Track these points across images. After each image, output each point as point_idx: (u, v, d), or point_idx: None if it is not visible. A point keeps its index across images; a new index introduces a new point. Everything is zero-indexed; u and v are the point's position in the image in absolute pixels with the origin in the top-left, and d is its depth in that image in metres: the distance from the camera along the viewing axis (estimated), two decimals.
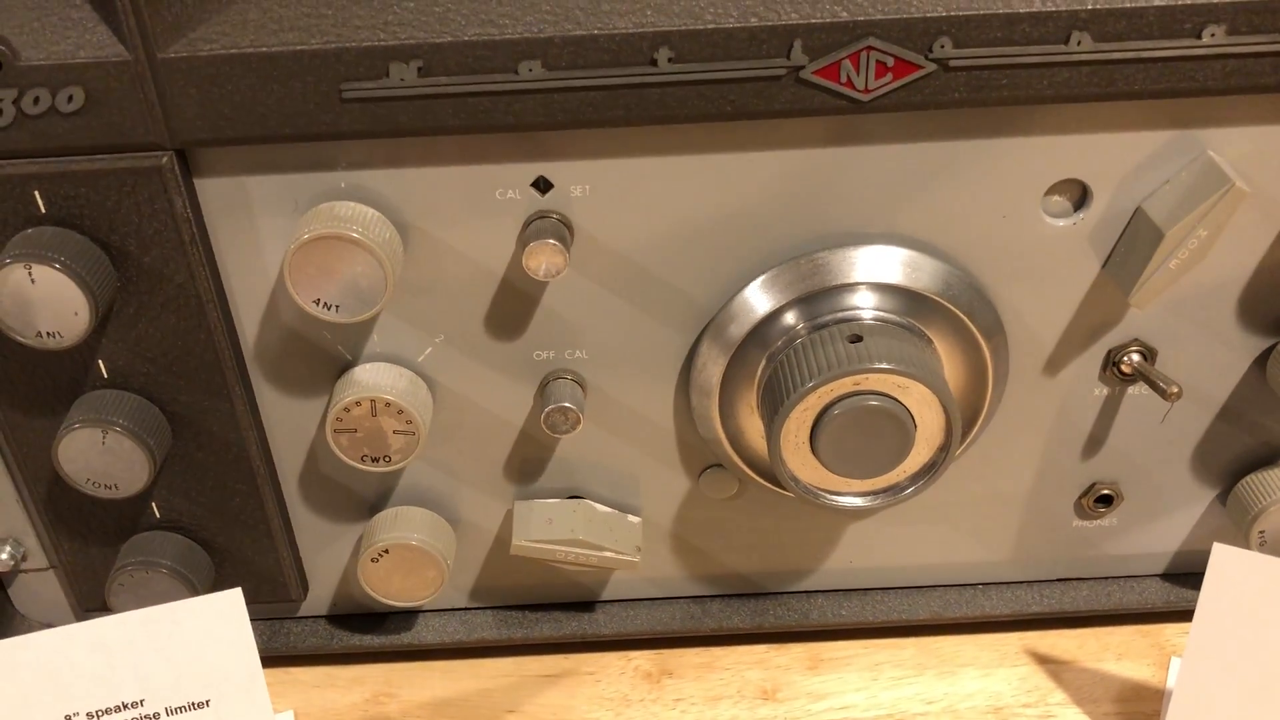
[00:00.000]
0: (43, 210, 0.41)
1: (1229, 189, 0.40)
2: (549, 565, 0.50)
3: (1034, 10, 0.37)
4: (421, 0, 0.38)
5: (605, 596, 0.54)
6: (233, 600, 0.44)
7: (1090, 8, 0.37)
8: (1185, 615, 0.52)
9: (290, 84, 0.38)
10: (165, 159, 0.40)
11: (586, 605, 0.54)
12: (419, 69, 0.38)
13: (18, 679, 0.43)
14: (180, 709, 0.45)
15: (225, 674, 0.45)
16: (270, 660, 0.52)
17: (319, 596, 0.53)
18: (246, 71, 0.38)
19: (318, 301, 0.41)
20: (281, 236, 0.43)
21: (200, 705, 0.45)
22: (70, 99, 0.39)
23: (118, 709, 0.44)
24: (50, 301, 0.41)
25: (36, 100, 0.39)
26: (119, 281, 0.42)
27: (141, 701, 0.44)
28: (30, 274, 0.40)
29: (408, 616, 0.53)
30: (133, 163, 0.40)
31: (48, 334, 0.41)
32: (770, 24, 0.38)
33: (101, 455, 0.44)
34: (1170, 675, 0.51)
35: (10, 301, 0.40)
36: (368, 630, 0.53)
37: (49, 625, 0.53)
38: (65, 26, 0.38)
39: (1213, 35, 0.38)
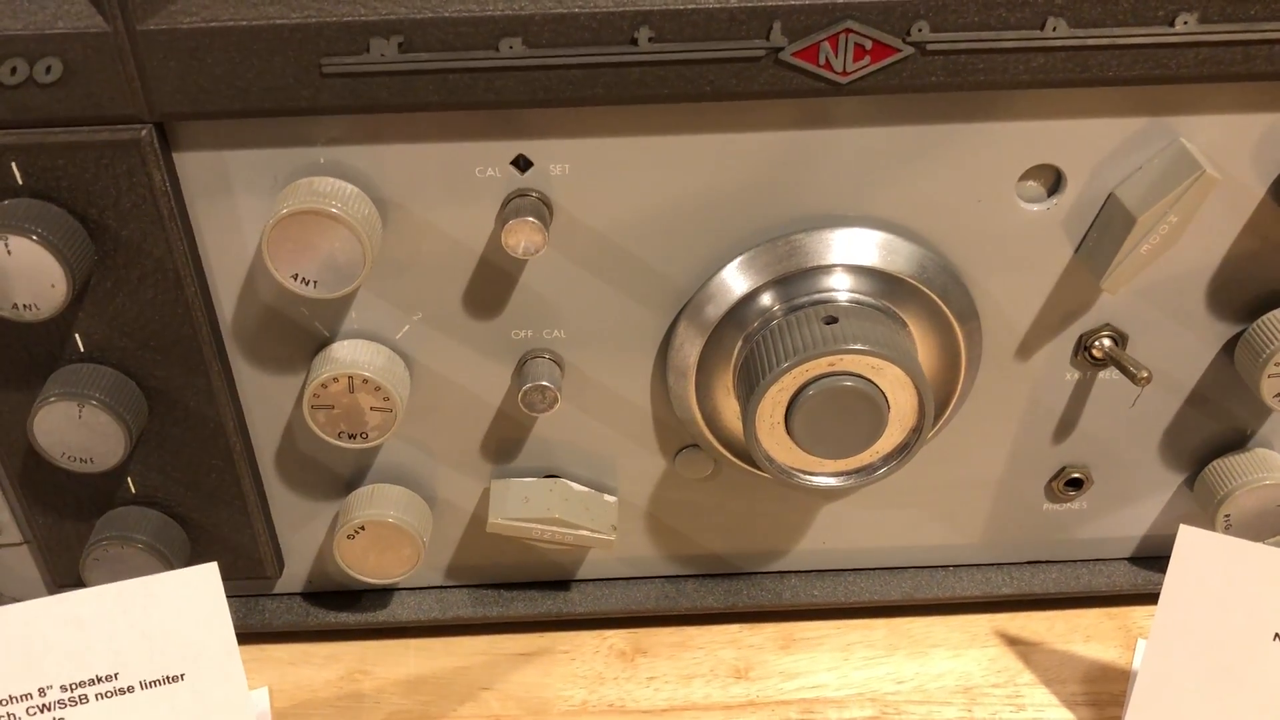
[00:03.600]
0: (20, 182, 0.41)
1: (1200, 175, 0.40)
2: (525, 544, 0.50)
3: None
4: None
5: (580, 576, 0.54)
6: (208, 574, 0.44)
7: None
8: (1152, 598, 0.52)
9: (270, 58, 0.38)
10: (144, 132, 0.40)
11: (562, 584, 0.54)
12: (399, 44, 0.38)
13: None
14: (155, 683, 0.45)
15: (200, 648, 0.45)
16: (245, 637, 0.51)
17: (295, 573, 0.53)
18: (226, 44, 0.38)
19: (296, 277, 0.41)
20: (260, 211, 0.43)
21: (175, 679, 0.45)
22: (48, 70, 0.39)
23: (91, 682, 0.44)
24: (27, 273, 0.40)
25: (14, 70, 0.38)
26: (96, 255, 0.42)
27: (116, 675, 0.44)
28: (7, 245, 0.40)
29: (383, 594, 0.54)
30: (111, 135, 0.40)
31: (24, 306, 0.41)
32: (750, 5, 0.38)
33: (77, 429, 0.44)
34: (1136, 657, 0.51)
35: None
36: (343, 608, 0.53)
37: (22, 600, 0.53)
38: None
39: (1185, 23, 0.38)
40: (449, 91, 0.39)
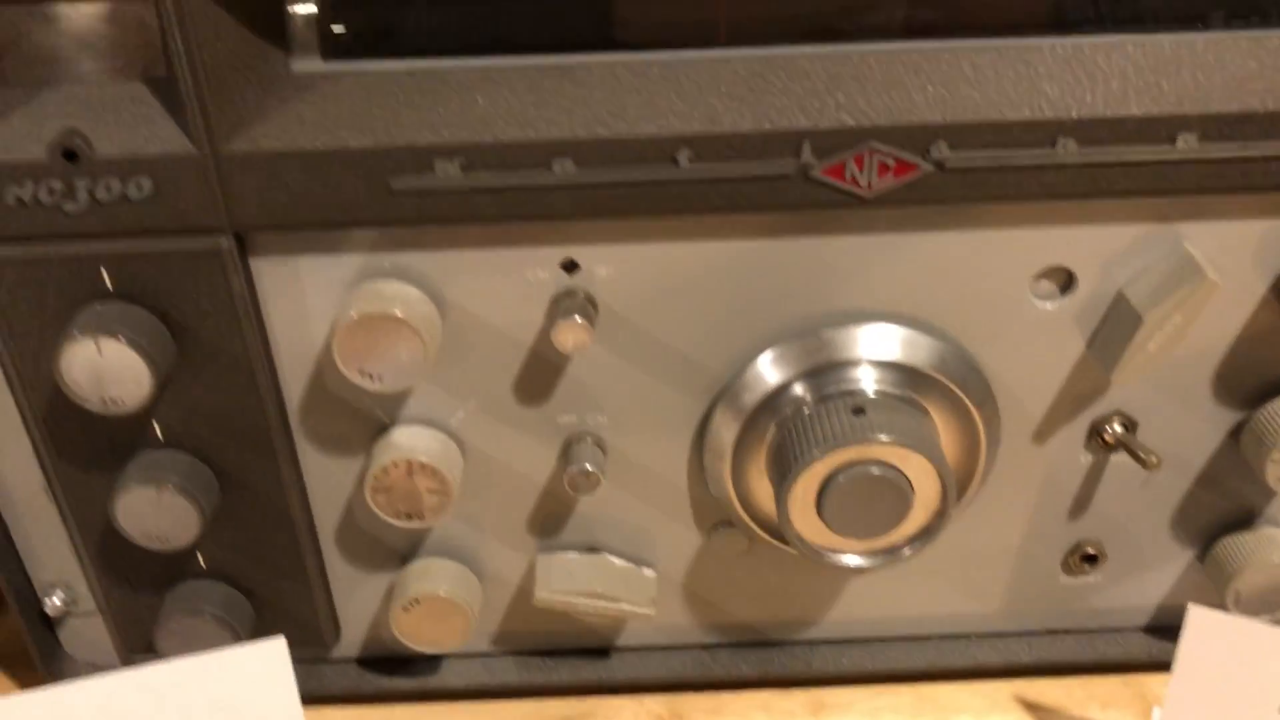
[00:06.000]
0: (110, 287, 0.44)
1: (1203, 282, 0.43)
2: (567, 614, 0.53)
3: (1023, 119, 0.41)
4: (464, 103, 0.41)
5: (620, 643, 0.57)
6: (277, 649, 0.47)
7: (1075, 116, 0.41)
8: (1166, 666, 0.54)
9: (343, 177, 0.42)
10: (225, 242, 0.43)
11: (602, 651, 0.56)
12: (461, 165, 0.42)
13: None
14: None
15: (267, 718, 0.47)
16: (303, 701, 0.54)
17: (350, 641, 0.56)
18: (303, 165, 0.41)
19: (363, 372, 0.45)
20: (328, 310, 0.46)
21: None
22: (140, 187, 0.42)
23: None
24: (116, 371, 0.44)
25: (109, 188, 0.42)
26: (177, 352, 0.46)
27: None
28: (98, 346, 0.43)
29: (433, 661, 0.56)
30: (195, 245, 0.43)
31: (111, 401, 0.44)
32: (782, 128, 0.41)
33: (155, 511, 0.47)
34: None
35: (79, 371, 0.44)
36: (396, 673, 0.56)
37: (95, 665, 0.56)
38: (137, 122, 0.41)
39: (1185, 142, 0.41)
40: (505, 206, 0.42)
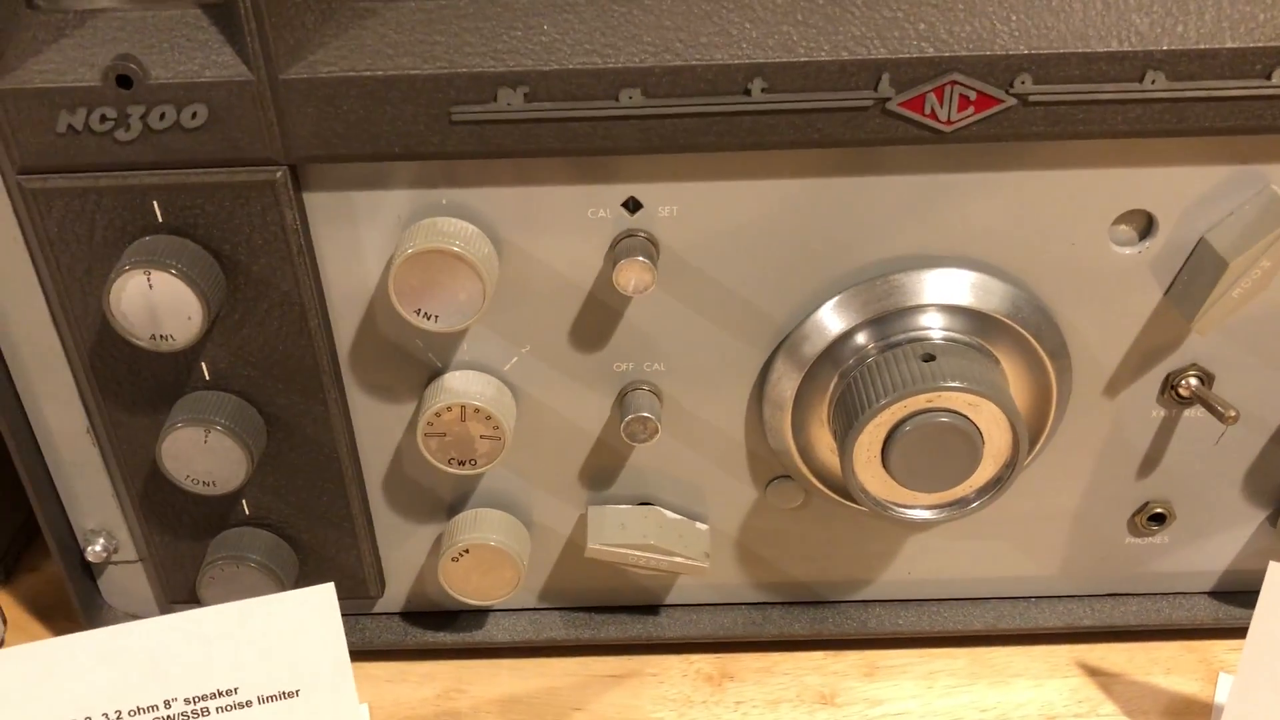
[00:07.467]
0: (160, 219, 0.43)
1: None
2: (616, 569, 0.52)
3: (1111, 50, 0.39)
4: (529, 29, 0.40)
5: (669, 600, 0.55)
6: (325, 595, 0.46)
7: (1165, 48, 0.39)
8: (1232, 632, 0.53)
9: (403, 106, 0.40)
10: (280, 174, 0.42)
11: (651, 609, 0.55)
12: (525, 95, 0.40)
13: (122, 664, 0.45)
14: (271, 698, 0.46)
15: (315, 665, 0.46)
16: None
17: (395, 594, 0.55)
18: (362, 93, 0.40)
19: (419, 311, 0.43)
20: (382, 248, 0.45)
21: (290, 694, 0.47)
22: (194, 115, 0.41)
23: (213, 695, 0.46)
24: (167, 306, 0.43)
25: (162, 116, 0.41)
26: (227, 288, 0.45)
27: (235, 690, 0.46)
28: (149, 280, 0.42)
29: (479, 615, 0.55)
30: (248, 176, 0.42)
31: (161, 337, 0.43)
32: (860, 58, 0.40)
33: (203, 453, 0.47)
34: (1218, 691, 0.52)
35: (129, 305, 0.43)
36: (440, 628, 0.55)
37: (135, 616, 0.55)
38: (193, 47, 0.40)
39: None
40: (569, 138, 0.41)
